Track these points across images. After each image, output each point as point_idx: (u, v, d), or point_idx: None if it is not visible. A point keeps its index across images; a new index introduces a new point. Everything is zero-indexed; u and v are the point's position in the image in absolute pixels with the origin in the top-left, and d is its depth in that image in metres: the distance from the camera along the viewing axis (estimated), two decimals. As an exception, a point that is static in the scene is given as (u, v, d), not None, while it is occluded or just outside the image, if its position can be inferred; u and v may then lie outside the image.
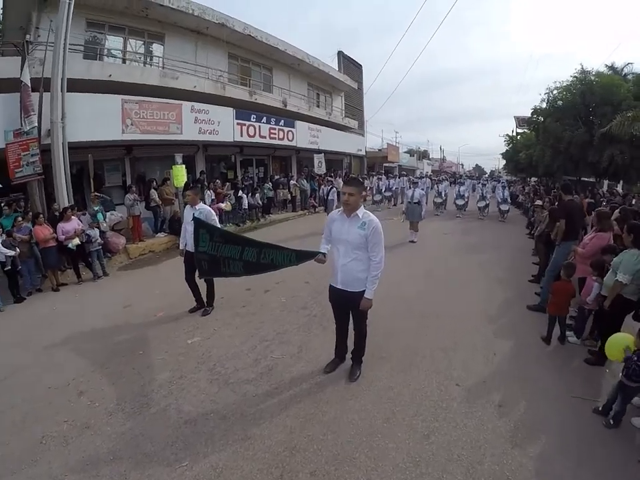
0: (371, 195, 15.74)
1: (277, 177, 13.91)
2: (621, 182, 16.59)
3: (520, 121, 30.17)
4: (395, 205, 15.81)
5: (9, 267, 5.38)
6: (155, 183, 8.97)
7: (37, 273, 6.11)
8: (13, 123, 6.82)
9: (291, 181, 13.84)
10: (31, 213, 6.22)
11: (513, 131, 32.14)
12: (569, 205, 4.58)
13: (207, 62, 11.80)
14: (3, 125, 6.82)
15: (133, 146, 9.47)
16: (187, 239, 4.29)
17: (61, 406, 2.84)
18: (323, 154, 15.18)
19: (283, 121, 13.75)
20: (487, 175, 44.00)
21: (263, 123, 12.79)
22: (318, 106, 18.58)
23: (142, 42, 10.76)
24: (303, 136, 14.87)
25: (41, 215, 6.08)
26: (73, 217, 6.25)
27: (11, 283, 5.47)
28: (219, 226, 4.21)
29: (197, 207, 4.23)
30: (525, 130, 26.79)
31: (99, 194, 7.52)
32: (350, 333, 3.10)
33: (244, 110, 12.04)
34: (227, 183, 11.11)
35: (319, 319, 4.23)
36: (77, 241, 6.10)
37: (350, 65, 22.56)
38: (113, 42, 10.14)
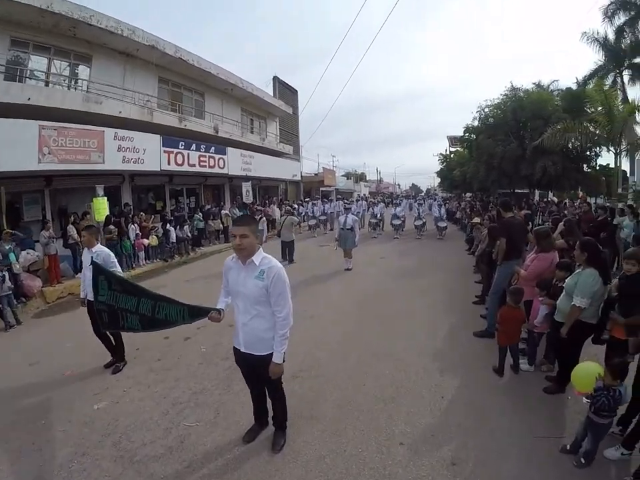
0: (306, 220, 16.48)
1: (207, 207, 13.57)
2: (550, 191, 18.09)
3: (452, 140, 33.15)
4: (331, 229, 16.01)
5: None
6: (72, 218, 8.58)
7: None
8: None
9: (223, 211, 13.46)
10: None
11: (446, 150, 35.02)
12: (509, 222, 4.42)
13: (135, 86, 11.57)
14: None
15: (53, 177, 8.94)
16: (86, 286, 3.88)
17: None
18: (250, 182, 15.43)
19: (213, 147, 13.53)
20: (423, 194, 46.22)
21: (192, 150, 12.48)
22: (252, 132, 18.89)
23: (67, 63, 10.28)
24: (235, 163, 14.93)
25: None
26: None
27: None
28: (119, 270, 3.98)
29: (93, 250, 3.88)
30: (458, 148, 29.16)
31: (11, 231, 7.06)
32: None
33: (172, 137, 11.78)
34: (153, 216, 10.81)
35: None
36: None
37: (285, 90, 23.38)
38: (37, 63, 9.55)
